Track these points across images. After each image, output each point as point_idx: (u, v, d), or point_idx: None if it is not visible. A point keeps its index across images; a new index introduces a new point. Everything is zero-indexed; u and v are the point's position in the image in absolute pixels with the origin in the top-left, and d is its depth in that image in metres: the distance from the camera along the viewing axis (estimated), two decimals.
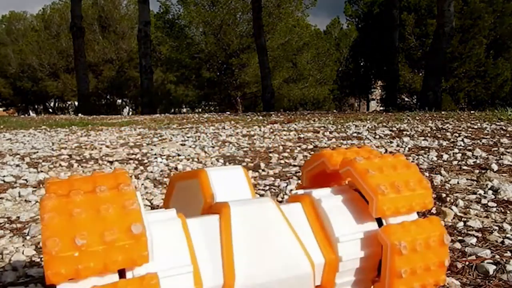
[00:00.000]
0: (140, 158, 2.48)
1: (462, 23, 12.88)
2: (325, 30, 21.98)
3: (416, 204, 0.60)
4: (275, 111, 9.19)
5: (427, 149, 2.46)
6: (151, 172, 2.04)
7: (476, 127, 3.49)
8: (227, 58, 15.09)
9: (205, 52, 15.33)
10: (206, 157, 2.47)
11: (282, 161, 2.24)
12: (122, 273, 0.49)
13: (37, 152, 2.83)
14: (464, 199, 1.37)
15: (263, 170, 2.00)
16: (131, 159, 2.47)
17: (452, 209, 1.24)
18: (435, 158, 2.13)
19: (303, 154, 2.43)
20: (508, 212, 1.23)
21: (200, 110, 18.54)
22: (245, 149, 2.76)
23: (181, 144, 3.10)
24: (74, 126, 5.16)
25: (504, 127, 3.35)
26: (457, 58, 13.40)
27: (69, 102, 21.71)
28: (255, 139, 3.30)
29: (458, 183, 1.59)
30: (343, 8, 19.10)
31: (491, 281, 0.81)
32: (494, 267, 0.85)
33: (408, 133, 3.31)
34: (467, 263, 0.88)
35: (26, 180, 1.88)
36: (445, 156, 2.16)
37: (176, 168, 2.11)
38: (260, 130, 4.03)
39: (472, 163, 1.95)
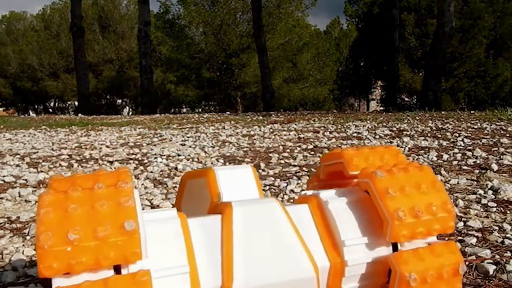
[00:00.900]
0: (140, 158, 2.48)
1: (462, 23, 12.87)
2: (325, 30, 21.99)
3: (435, 230, 0.57)
4: (275, 111, 9.19)
5: (427, 149, 2.46)
6: (151, 172, 2.04)
7: (476, 127, 3.49)
8: (227, 58, 15.09)
9: (205, 52, 15.32)
10: (206, 157, 2.47)
11: (282, 161, 2.24)
12: (118, 270, 0.49)
13: (37, 152, 2.83)
14: (464, 199, 1.37)
15: (263, 170, 2.00)
16: (131, 159, 2.47)
17: None
18: (435, 158, 2.13)
19: (303, 154, 2.43)
20: (508, 212, 1.23)
21: (200, 110, 18.55)
22: (245, 149, 2.76)
23: (181, 144, 3.10)
24: (74, 126, 5.16)
25: (504, 127, 3.35)
26: (457, 58, 13.40)
27: (69, 102, 21.72)
28: (255, 139, 3.30)
29: (458, 183, 1.59)
30: (343, 8, 19.12)
31: (491, 281, 0.81)
32: (494, 267, 0.85)
33: (408, 133, 3.31)
34: (467, 263, 0.88)
35: (26, 180, 1.88)
36: (445, 156, 2.16)
37: (176, 168, 2.11)
38: (260, 130, 4.03)
39: (472, 163, 1.95)
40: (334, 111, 12.29)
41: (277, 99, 13.89)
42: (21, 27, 21.33)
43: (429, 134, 3.15)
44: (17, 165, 2.29)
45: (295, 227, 0.58)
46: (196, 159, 2.38)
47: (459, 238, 1.04)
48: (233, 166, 0.76)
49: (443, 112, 5.86)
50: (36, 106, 22.67)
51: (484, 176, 1.62)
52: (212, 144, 3.05)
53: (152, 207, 1.42)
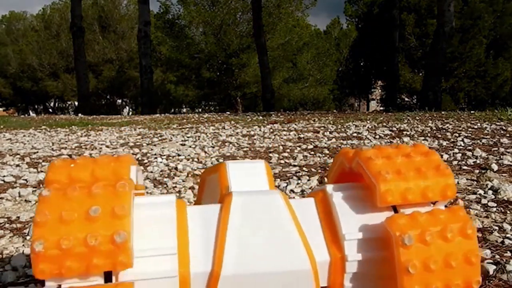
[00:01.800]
0: (140, 158, 2.48)
1: (462, 23, 12.88)
2: (325, 30, 21.98)
3: (430, 192, 0.54)
4: (275, 111, 9.19)
5: None
6: (151, 172, 2.04)
7: (476, 127, 3.49)
8: (227, 58, 15.09)
9: (205, 52, 15.32)
10: (206, 157, 2.47)
11: (282, 161, 2.24)
12: (108, 275, 0.50)
13: (37, 152, 2.83)
14: (464, 199, 1.37)
15: None
16: None
17: None
18: None
19: (303, 154, 2.43)
20: (508, 212, 1.23)
21: (200, 110, 18.55)
22: (245, 149, 2.76)
23: (181, 144, 3.10)
24: (74, 126, 5.16)
25: (504, 127, 3.35)
26: (457, 58, 13.40)
27: (69, 102, 21.72)
28: (255, 139, 3.30)
29: (458, 183, 1.59)
30: (343, 8, 19.10)
31: (491, 281, 0.81)
32: (494, 267, 0.85)
33: (408, 133, 3.31)
34: None
35: (26, 180, 1.88)
36: (445, 156, 2.16)
37: (176, 168, 2.11)
38: (260, 130, 4.03)
39: (472, 163, 1.95)
40: (334, 111, 12.29)
41: (277, 99, 13.89)
42: (21, 27, 21.32)
43: (429, 134, 3.15)
44: (17, 165, 2.29)
45: (296, 220, 0.57)
46: (196, 159, 2.38)
47: None
48: (246, 160, 0.77)
49: (443, 112, 5.86)
50: (36, 106, 22.67)
51: (484, 176, 1.62)
52: (212, 144, 3.05)
53: None
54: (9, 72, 19.90)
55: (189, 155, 2.52)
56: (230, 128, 4.35)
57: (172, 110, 19.07)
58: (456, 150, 2.34)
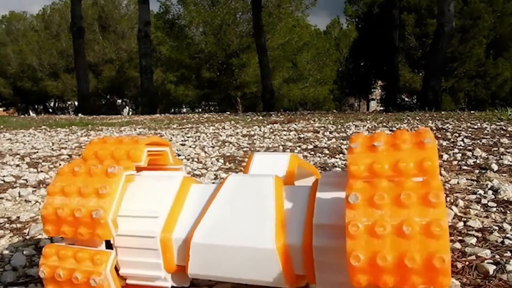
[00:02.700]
0: None
1: (462, 23, 12.88)
2: (325, 30, 22.00)
3: (402, 163, 0.50)
4: (275, 111, 9.19)
5: None
6: None
7: (476, 127, 3.49)
8: (227, 58, 15.09)
9: (205, 52, 15.32)
10: (206, 157, 2.46)
11: None
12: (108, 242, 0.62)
13: (37, 152, 2.83)
14: (464, 199, 1.37)
15: None
16: None
17: (452, 209, 1.24)
18: None
19: (303, 154, 2.42)
20: (508, 212, 1.23)
21: (200, 110, 18.56)
22: (245, 149, 2.76)
23: (181, 144, 3.10)
24: (74, 126, 5.16)
25: (504, 127, 3.35)
26: (457, 58, 13.40)
27: (69, 102, 21.74)
28: (255, 139, 3.30)
29: (458, 183, 1.59)
30: (343, 8, 19.11)
31: (491, 281, 0.81)
32: (494, 267, 0.85)
33: None
34: (467, 263, 0.88)
35: (26, 180, 1.88)
36: (445, 156, 2.16)
37: None
38: (260, 130, 4.03)
39: (472, 163, 1.95)
40: (334, 111, 12.29)
41: (277, 99, 13.88)
42: (21, 27, 21.33)
43: None
44: (17, 165, 2.29)
45: (279, 204, 0.60)
46: (196, 159, 2.38)
47: (459, 238, 1.04)
48: (274, 152, 0.83)
49: (443, 112, 5.86)
50: (36, 106, 22.68)
51: (484, 176, 1.62)
52: (212, 144, 3.05)
53: None
54: (9, 72, 19.91)
55: (189, 155, 2.52)
56: (230, 128, 4.35)
57: (172, 110, 19.07)
58: (456, 150, 2.34)
